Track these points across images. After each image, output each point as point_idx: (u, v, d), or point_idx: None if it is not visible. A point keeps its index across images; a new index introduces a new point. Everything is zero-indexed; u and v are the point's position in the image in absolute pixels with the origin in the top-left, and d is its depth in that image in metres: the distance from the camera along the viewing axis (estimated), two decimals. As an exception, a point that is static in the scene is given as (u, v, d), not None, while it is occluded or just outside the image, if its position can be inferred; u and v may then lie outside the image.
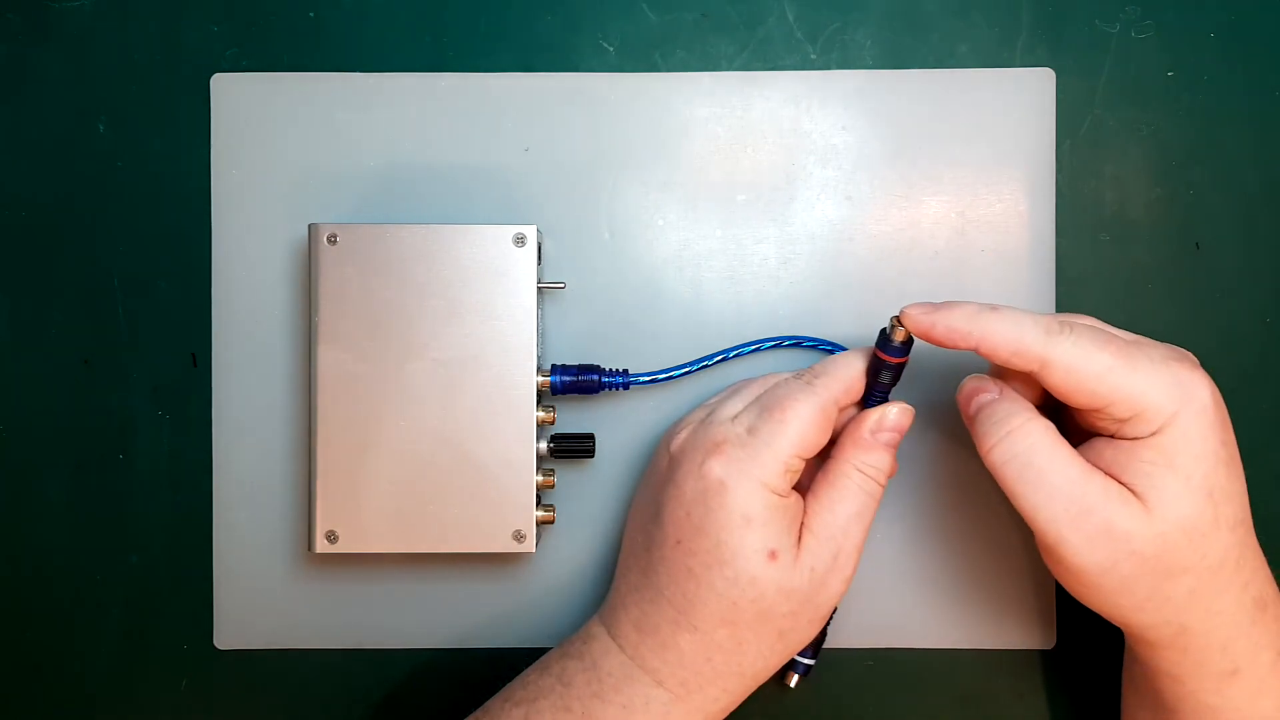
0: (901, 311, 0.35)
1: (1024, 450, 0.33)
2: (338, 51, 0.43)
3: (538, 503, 0.39)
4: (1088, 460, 0.33)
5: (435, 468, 0.38)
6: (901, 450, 0.42)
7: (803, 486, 0.37)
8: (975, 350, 0.34)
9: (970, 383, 0.36)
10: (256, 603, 0.43)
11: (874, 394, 0.37)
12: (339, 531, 0.39)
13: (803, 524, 0.36)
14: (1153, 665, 0.35)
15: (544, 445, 0.40)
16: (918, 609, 0.43)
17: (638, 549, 0.37)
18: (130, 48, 0.43)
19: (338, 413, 0.38)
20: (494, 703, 0.37)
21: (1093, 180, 0.43)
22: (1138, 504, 0.32)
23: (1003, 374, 0.36)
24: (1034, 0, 0.43)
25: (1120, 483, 0.32)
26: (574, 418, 0.42)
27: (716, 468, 0.34)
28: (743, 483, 0.34)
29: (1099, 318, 0.36)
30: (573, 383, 0.40)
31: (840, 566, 0.36)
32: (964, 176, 0.42)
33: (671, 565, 0.35)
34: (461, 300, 0.39)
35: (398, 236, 0.38)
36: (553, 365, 0.41)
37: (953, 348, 0.34)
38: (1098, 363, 0.32)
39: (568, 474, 0.42)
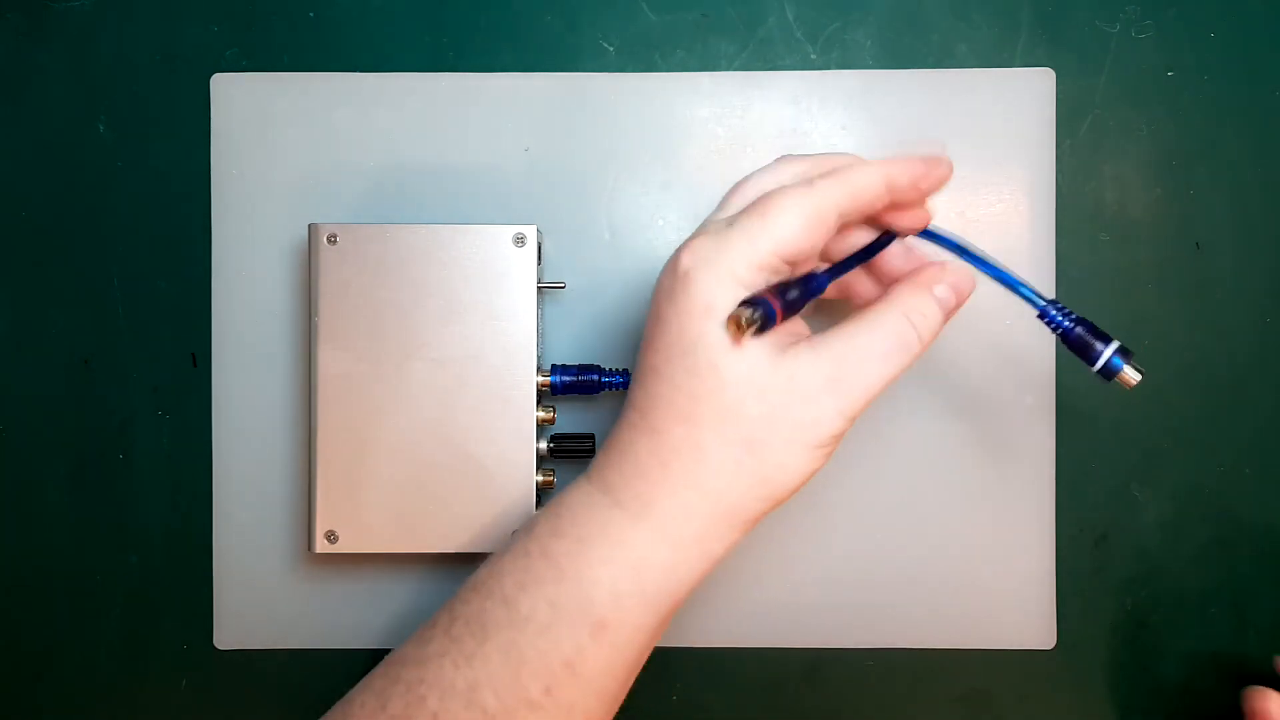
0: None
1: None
2: (338, 51, 0.43)
3: (537, 503, 0.39)
4: None
5: (435, 468, 0.38)
6: (901, 450, 0.42)
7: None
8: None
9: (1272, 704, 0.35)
10: (256, 603, 0.43)
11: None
12: (339, 531, 0.39)
13: (806, 340, 0.32)
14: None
15: (544, 445, 0.40)
16: (918, 609, 0.42)
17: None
18: (130, 48, 0.43)
19: (338, 413, 0.38)
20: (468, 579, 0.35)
21: (1093, 180, 0.43)
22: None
23: None
24: (1034, 0, 0.43)
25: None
26: (574, 418, 0.42)
27: (685, 258, 0.31)
28: (707, 272, 0.30)
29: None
30: (573, 383, 0.40)
31: (835, 390, 0.31)
32: (964, 176, 0.42)
33: (640, 369, 0.32)
34: (461, 300, 0.39)
35: (398, 236, 0.38)
36: (553, 365, 0.41)
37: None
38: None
39: (568, 474, 0.42)
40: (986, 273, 0.34)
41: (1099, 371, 0.32)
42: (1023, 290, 0.34)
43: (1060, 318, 0.33)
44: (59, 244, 0.43)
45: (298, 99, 0.42)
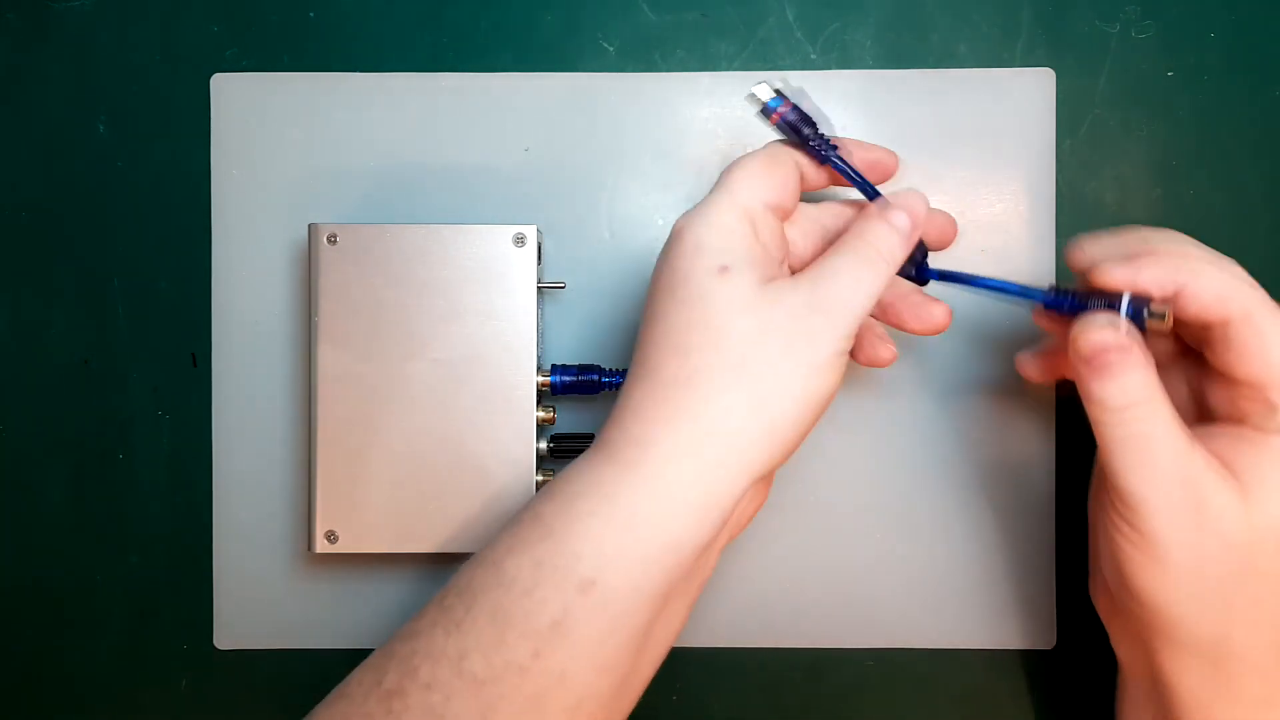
0: (1101, 272, 0.32)
1: (1146, 422, 0.31)
2: (338, 51, 0.43)
3: (538, 503, 0.39)
4: (1199, 442, 0.31)
5: (435, 468, 0.38)
6: (901, 449, 0.42)
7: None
8: (1168, 298, 0.32)
9: (1103, 327, 0.32)
10: (256, 603, 0.42)
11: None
12: (339, 531, 0.39)
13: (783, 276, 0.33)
14: (1178, 687, 0.33)
15: (544, 445, 0.40)
16: (918, 609, 0.42)
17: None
18: (130, 48, 0.43)
19: (338, 413, 0.38)
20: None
21: (1093, 180, 0.43)
22: (1236, 489, 0.31)
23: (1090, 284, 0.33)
24: (1034, 0, 0.43)
25: (1227, 469, 0.31)
26: (574, 418, 0.42)
27: (677, 221, 0.33)
28: (695, 223, 0.32)
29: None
30: (573, 383, 0.40)
31: (820, 309, 0.31)
32: (964, 176, 0.42)
33: (641, 332, 0.33)
34: (461, 300, 0.39)
35: (398, 236, 0.38)
36: (553, 365, 0.41)
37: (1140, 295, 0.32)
38: None
39: (568, 474, 0.42)
40: (990, 289, 0.35)
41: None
42: (1032, 294, 0.34)
43: (1069, 300, 0.33)
44: (59, 244, 0.43)
45: (298, 99, 0.42)
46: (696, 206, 0.33)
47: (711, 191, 0.33)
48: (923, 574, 0.42)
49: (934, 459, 0.42)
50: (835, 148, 0.35)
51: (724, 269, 0.31)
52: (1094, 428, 0.32)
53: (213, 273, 0.43)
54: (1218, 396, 0.33)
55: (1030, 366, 0.38)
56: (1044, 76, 0.43)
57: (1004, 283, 0.35)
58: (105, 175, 0.43)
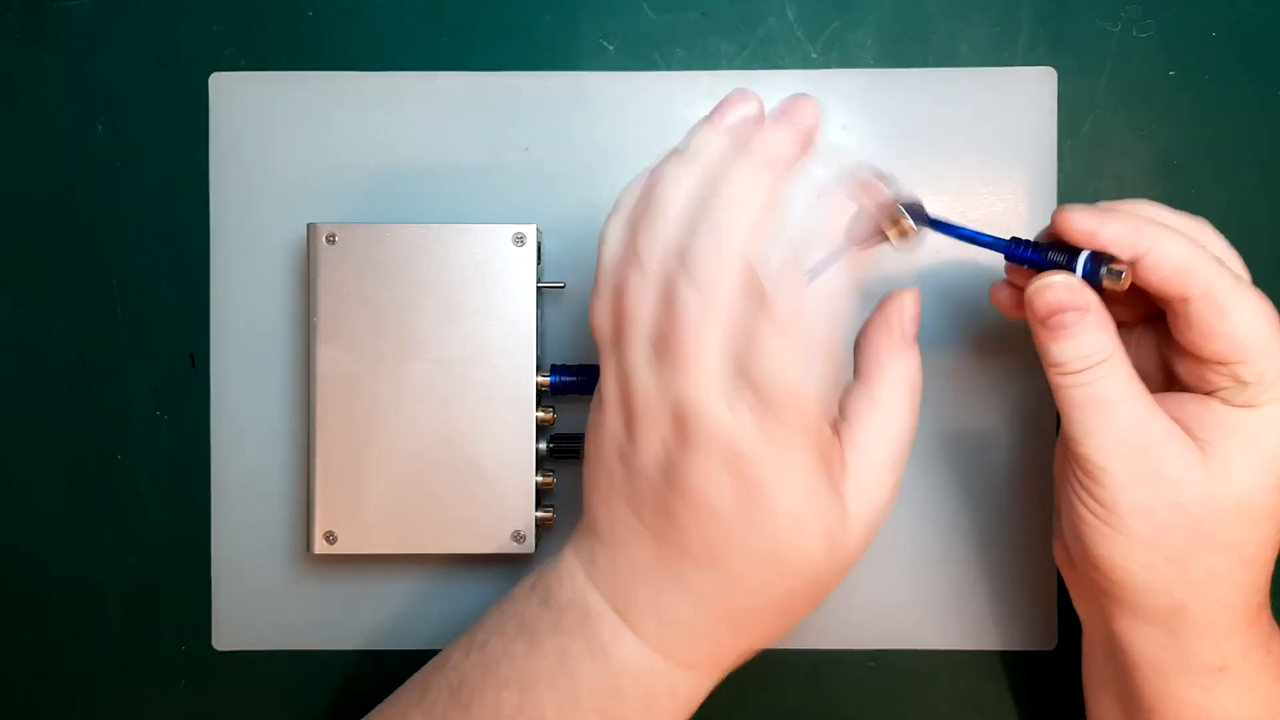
0: (1061, 215, 0.31)
1: (1103, 383, 0.31)
2: (338, 51, 0.43)
3: (537, 503, 0.39)
4: (1163, 407, 0.31)
5: (435, 468, 0.38)
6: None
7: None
8: (1130, 260, 0.31)
9: (1057, 286, 0.31)
10: (255, 603, 0.42)
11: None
12: (338, 532, 0.39)
13: (848, 472, 0.31)
14: (1133, 653, 0.33)
15: (544, 445, 0.40)
16: (918, 609, 0.42)
17: (633, 527, 0.31)
18: (130, 48, 0.43)
19: (337, 413, 0.38)
20: (468, 668, 0.32)
21: (1093, 180, 0.43)
22: (1199, 458, 0.30)
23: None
24: (1034, 0, 0.43)
25: (1190, 437, 0.31)
26: (574, 418, 0.42)
27: (749, 479, 0.29)
28: (784, 483, 0.29)
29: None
30: (573, 383, 0.40)
31: (886, 506, 0.31)
32: (964, 176, 0.42)
33: (702, 562, 0.30)
34: (461, 300, 0.38)
35: (397, 236, 0.38)
36: (553, 365, 0.40)
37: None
38: (1258, 317, 0.30)
39: (568, 474, 0.42)
40: (961, 236, 0.34)
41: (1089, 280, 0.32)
42: (995, 243, 0.33)
43: (1029, 251, 0.33)
44: (58, 244, 0.43)
45: (297, 99, 0.42)
46: (759, 459, 0.29)
47: (773, 433, 0.29)
48: (923, 574, 0.42)
49: (933, 459, 0.42)
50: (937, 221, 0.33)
51: (829, 535, 0.30)
52: (1053, 391, 0.32)
53: (212, 273, 0.43)
54: (1184, 366, 0.33)
55: (1003, 295, 0.36)
56: (1045, 76, 0.42)
57: (974, 232, 0.33)
58: (105, 175, 0.43)
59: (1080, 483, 0.32)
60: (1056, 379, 0.31)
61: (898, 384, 0.32)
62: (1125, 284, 0.31)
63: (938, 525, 0.42)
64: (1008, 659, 0.43)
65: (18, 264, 0.43)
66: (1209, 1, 0.43)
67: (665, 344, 0.29)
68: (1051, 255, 0.32)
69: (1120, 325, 0.33)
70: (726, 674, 0.33)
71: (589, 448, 0.33)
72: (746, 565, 0.30)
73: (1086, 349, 0.31)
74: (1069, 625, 0.42)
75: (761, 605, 0.31)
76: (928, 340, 0.42)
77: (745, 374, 0.29)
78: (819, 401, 0.29)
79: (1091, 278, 0.31)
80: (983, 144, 0.42)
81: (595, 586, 0.32)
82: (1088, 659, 0.37)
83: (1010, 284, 0.35)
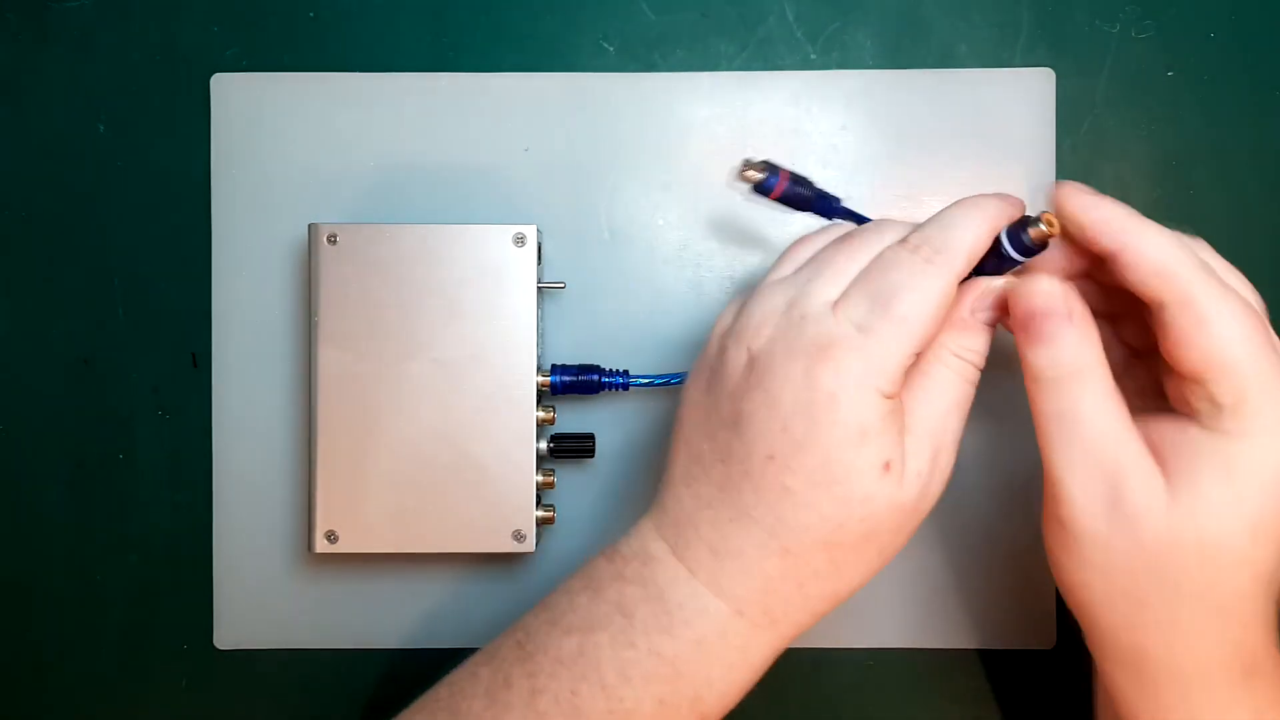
0: (1059, 187, 0.30)
1: (1075, 397, 0.29)
2: (338, 51, 0.43)
3: (538, 503, 0.39)
4: (1142, 430, 0.29)
5: (435, 468, 0.38)
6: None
7: None
8: (1109, 256, 0.29)
9: (1040, 289, 0.30)
10: (256, 603, 0.43)
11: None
12: (339, 531, 0.39)
13: (904, 430, 0.31)
14: (1110, 687, 0.31)
15: (544, 445, 0.40)
16: (918, 609, 0.42)
17: (704, 457, 0.32)
18: (130, 48, 0.43)
19: (338, 413, 0.38)
20: (539, 624, 0.33)
21: (1093, 180, 0.42)
22: (1163, 489, 0.28)
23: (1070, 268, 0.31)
24: (1034, 0, 0.43)
25: (1161, 464, 0.29)
26: (574, 418, 0.42)
27: (826, 378, 0.29)
28: (859, 394, 0.29)
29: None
30: (573, 383, 0.40)
31: (941, 468, 0.31)
32: (964, 176, 0.42)
33: (761, 483, 0.30)
34: (461, 300, 0.39)
35: (398, 236, 0.38)
36: (553, 365, 0.41)
37: (1082, 244, 0.30)
38: (1241, 332, 0.28)
39: (568, 474, 0.42)
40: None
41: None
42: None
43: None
44: (59, 244, 0.43)
45: (298, 99, 0.42)
46: (849, 347, 0.29)
47: (864, 335, 0.29)
48: (922, 574, 0.42)
49: (934, 459, 0.42)
50: (839, 199, 0.35)
51: (887, 466, 0.29)
52: (1029, 398, 0.30)
53: (213, 273, 0.43)
54: (1169, 386, 0.30)
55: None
56: (1044, 76, 0.43)
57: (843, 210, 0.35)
58: (105, 175, 0.43)
59: (1048, 495, 0.30)
60: (1030, 386, 0.30)
61: (941, 358, 0.31)
62: (1054, 231, 0.30)
63: (938, 525, 0.42)
64: (1007, 658, 0.43)
65: (19, 264, 0.43)
66: (1208, 2, 0.43)
67: (814, 263, 0.31)
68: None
69: (1129, 349, 0.32)
70: (783, 639, 0.32)
71: (681, 405, 0.34)
72: (803, 484, 0.29)
73: (1062, 357, 0.29)
74: (1067, 625, 0.42)
75: (813, 540, 0.30)
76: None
77: (864, 283, 0.30)
78: (925, 321, 0.29)
79: (1016, 244, 0.30)
80: (982, 145, 0.42)
81: (661, 536, 0.32)
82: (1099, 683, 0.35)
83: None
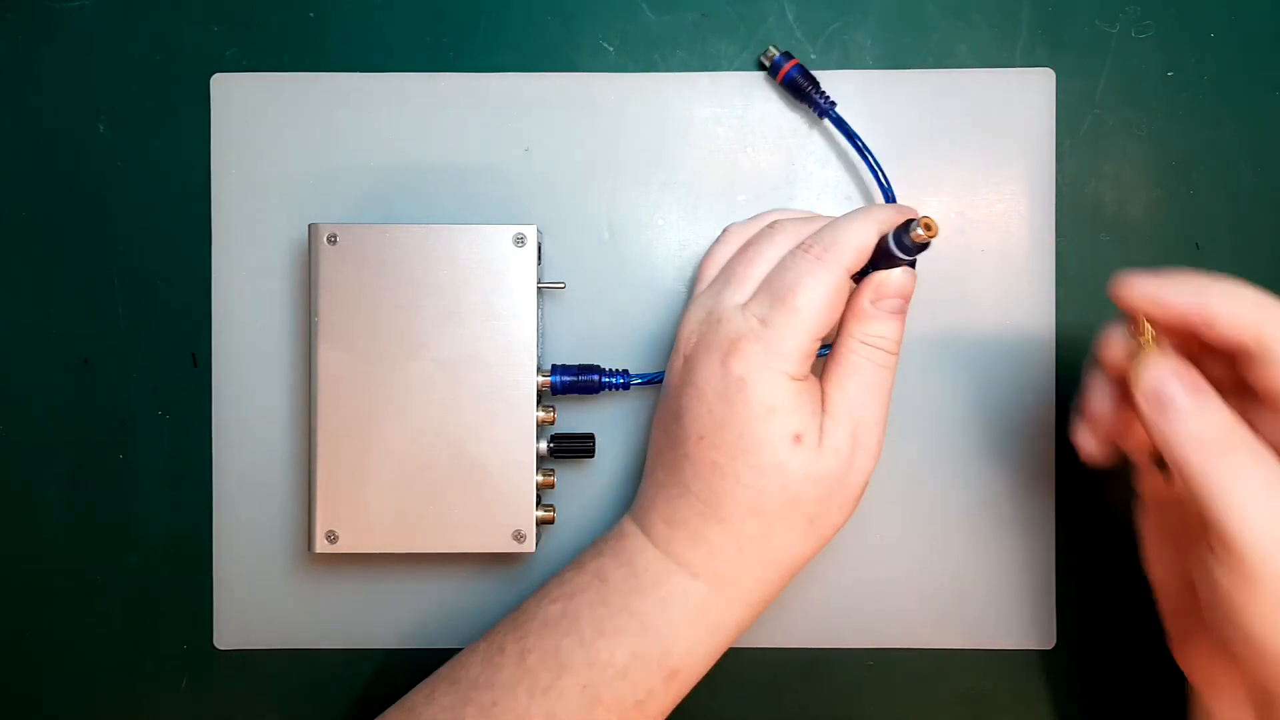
0: (1121, 283, 0.31)
1: (1249, 462, 0.29)
2: (338, 51, 0.43)
3: (538, 503, 0.39)
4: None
5: (435, 468, 0.38)
6: (900, 448, 0.42)
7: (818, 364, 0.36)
8: (1193, 327, 0.30)
9: (1156, 364, 0.30)
10: (256, 603, 0.43)
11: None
12: (339, 531, 0.39)
13: (823, 412, 0.35)
14: None
15: (544, 445, 0.40)
16: (918, 609, 0.42)
17: (662, 448, 0.37)
18: (130, 48, 0.43)
19: (338, 413, 0.38)
20: (530, 602, 0.37)
21: (1093, 180, 0.43)
22: None
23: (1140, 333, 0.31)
24: (1034, 0, 0.43)
25: None
26: (574, 418, 0.42)
27: (736, 366, 0.34)
28: (763, 375, 0.33)
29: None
30: (573, 383, 0.40)
31: (863, 444, 0.35)
32: (964, 176, 0.42)
33: (696, 461, 0.35)
34: (461, 300, 0.39)
35: (398, 236, 0.38)
36: (553, 365, 0.41)
37: (1166, 326, 0.31)
38: None
39: (568, 474, 0.42)
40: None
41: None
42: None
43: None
44: (59, 244, 0.43)
45: (298, 99, 0.42)
46: (752, 345, 0.34)
47: (765, 326, 0.34)
48: (922, 574, 0.42)
49: (933, 459, 0.42)
50: (835, 104, 0.40)
51: (797, 438, 0.34)
52: (1177, 471, 0.29)
53: (213, 273, 0.43)
54: (1267, 427, 0.31)
55: (1086, 439, 0.35)
56: (1044, 76, 0.43)
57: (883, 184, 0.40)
58: (105, 175, 0.43)
59: (1223, 561, 0.29)
60: (1177, 460, 0.29)
61: (851, 346, 0.35)
62: (933, 233, 0.33)
63: (938, 525, 0.42)
64: (1007, 658, 0.43)
65: (19, 263, 0.43)
66: (1208, 2, 0.43)
67: (723, 274, 0.37)
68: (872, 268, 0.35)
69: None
70: (744, 605, 0.35)
71: (654, 413, 0.39)
72: (725, 457, 0.34)
73: (1210, 421, 0.29)
74: (1068, 624, 0.43)
75: (741, 508, 0.34)
76: (929, 342, 0.42)
77: (767, 284, 0.35)
78: (818, 310, 0.34)
79: (899, 242, 0.34)
80: (982, 145, 0.42)
81: (632, 519, 0.38)
82: None
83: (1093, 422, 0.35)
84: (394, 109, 0.42)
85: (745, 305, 0.35)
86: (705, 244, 0.42)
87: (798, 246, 0.35)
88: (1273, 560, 0.28)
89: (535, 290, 0.39)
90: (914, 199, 0.42)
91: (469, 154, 0.42)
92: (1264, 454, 0.29)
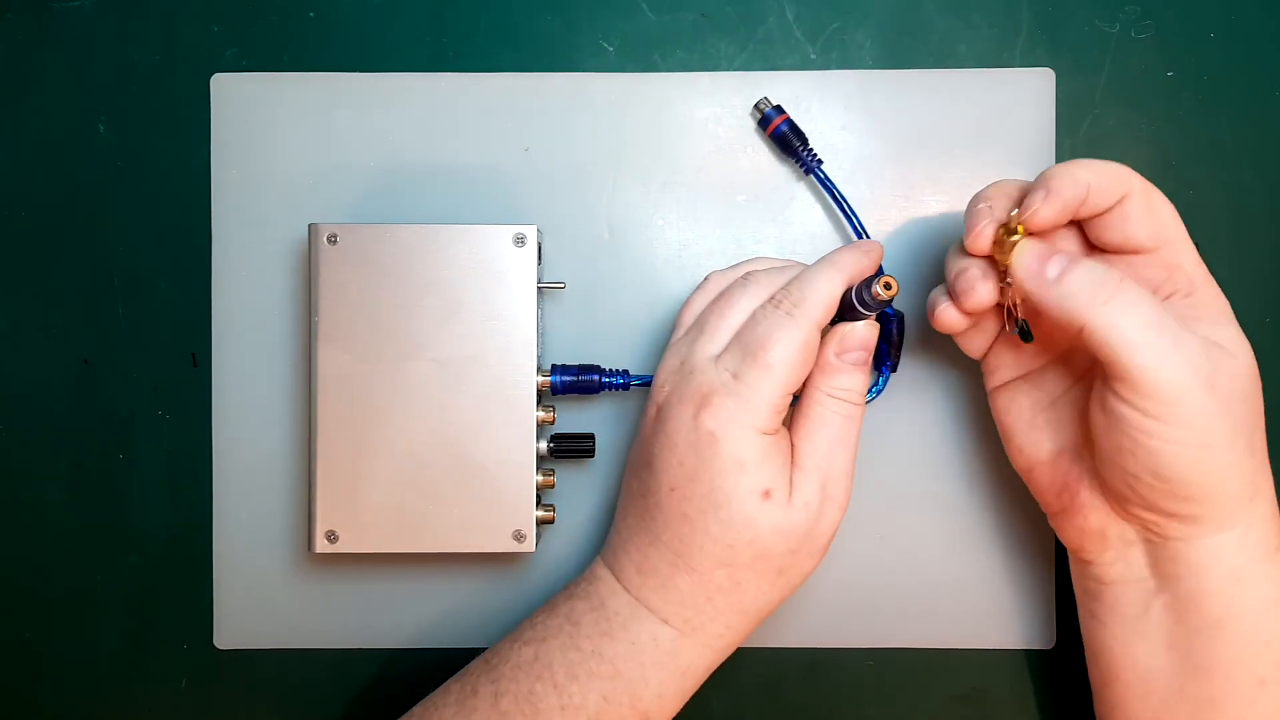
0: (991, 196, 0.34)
1: (1134, 298, 0.31)
2: (338, 51, 0.43)
3: (538, 503, 0.39)
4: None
5: (435, 468, 0.38)
6: (901, 449, 0.42)
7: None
8: (1072, 212, 0.33)
9: (1034, 250, 0.32)
10: (256, 603, 0.43)
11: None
12: (339, 531, 0.39)
13: (793, 464, 0.35)
14: (1210, 570, 0.33)
15: (544, 445, 0.40)
16: (917, 608, 0.43)
17: (634, 492, 0.37)
18: (130, 48, 0.43)
19: (338, 413, 0.38)
20: (504, 644, 0.37)
21: (1092, 180, 0.43)
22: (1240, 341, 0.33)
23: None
24: (1034, 0, 0.43)
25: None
26: (574, 418, 0.42)
27: (707, 420, 0.34)
28: (734, 431, 0.34)
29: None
30: (573, 383, 0.40)
31: (831, 496, 0.35)
32: (963, 176, 0.42)
33: (667, 511, 0.35)
34: (461, 300, 0.39)
35: (398, 236, 0.38)
36: (553, 365, 0.41)
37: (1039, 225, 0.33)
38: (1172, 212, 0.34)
39: (568, 474, 0.42)
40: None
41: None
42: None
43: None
44: (59, 244, 0.43)
45: (298, 99, 0.42)
46: (724, 400, 0.34)
47: (737, 381, 0.34)
48: (923, 574, 0.42)
49: (933, 459, 0.42)
50: (821, 162, 0.41)
51: (766, 493, 0.34)
52: (1071, 327, 0.31)
53: (213, 273, 0.43)
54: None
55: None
56: (1044, 76, 0.43)
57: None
58: (105, 175, 0.43)
59: (1133, 384, 0.31)
60: (1101, 321, 0.31)
61: (818, 399, 0.36)
62: (892, 292, 0.34)
63: (938, 525, 0.42)
64: (1007, 658, 0.43)
65: (19, 264, 0.43)
66: (1207, 3, 0.43)
67: (697, 324, 0.37)
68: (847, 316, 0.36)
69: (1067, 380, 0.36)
70: (712, 649, 0.36)
71: (629, 454, 0.39)
72: (696, 510, 0.35)
73: (1096, 277, 0.32)
74: (1068, 624, 0.43)
75: (710, 557, 0.35)
76: (930, 341, 0.42)
77: (739, 338, 0.35)
78: (789, 366, 0.34)
79: (860, 298, 0.35)
80: (982, 144, 0.42)
81: (604, 562, 0.38)
82: (1117, 619, 0.36)
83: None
84: (394, 109, 0.42)
85: (718, 358, 0.35)
86: (705, 244, 0.42)
87: (769, 300, 0.36)
88: (1180, 380, 0.31)
89: (535, 290, 0.39)
90: (914, 199, 0.42)
91: (469, 154, 0.42)
92: (1143, 289, 0.31)
